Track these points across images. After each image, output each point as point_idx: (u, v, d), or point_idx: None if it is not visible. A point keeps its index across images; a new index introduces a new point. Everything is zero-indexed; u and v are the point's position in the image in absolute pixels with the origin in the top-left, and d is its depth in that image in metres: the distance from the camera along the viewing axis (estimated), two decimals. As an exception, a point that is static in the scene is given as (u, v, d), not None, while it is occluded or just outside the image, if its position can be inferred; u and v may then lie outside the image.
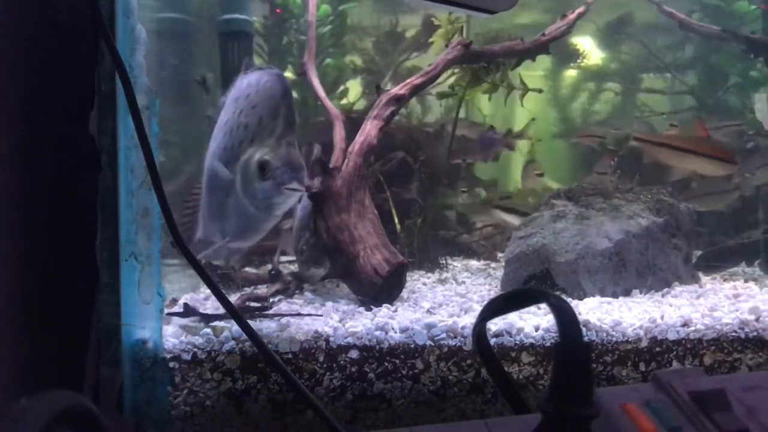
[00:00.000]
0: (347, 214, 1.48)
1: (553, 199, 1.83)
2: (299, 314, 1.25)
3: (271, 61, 2.35)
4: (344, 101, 2.41)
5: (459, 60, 1.72)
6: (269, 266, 1.71)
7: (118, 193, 0.99)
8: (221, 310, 1.16)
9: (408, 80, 1.65)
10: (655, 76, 2.87)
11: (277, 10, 2.35)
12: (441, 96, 2.02)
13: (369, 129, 1.57)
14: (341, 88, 2.42)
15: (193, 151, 2.15)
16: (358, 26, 2.56)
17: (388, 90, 1.63)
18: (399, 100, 1.61)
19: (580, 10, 1.86)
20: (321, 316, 1.24)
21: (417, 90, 1.65)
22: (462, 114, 2.61)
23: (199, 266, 0.93)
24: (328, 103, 1.80)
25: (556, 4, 2.46)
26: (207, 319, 1.18)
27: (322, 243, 1.49)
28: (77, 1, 0.99)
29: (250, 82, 1.19)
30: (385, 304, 1.35)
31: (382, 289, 1.40)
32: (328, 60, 2.41)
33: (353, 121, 1.97)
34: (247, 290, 1.61)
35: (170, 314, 1.20)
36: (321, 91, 1.84)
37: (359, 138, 1.56)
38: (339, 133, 1.68)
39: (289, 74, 2.41)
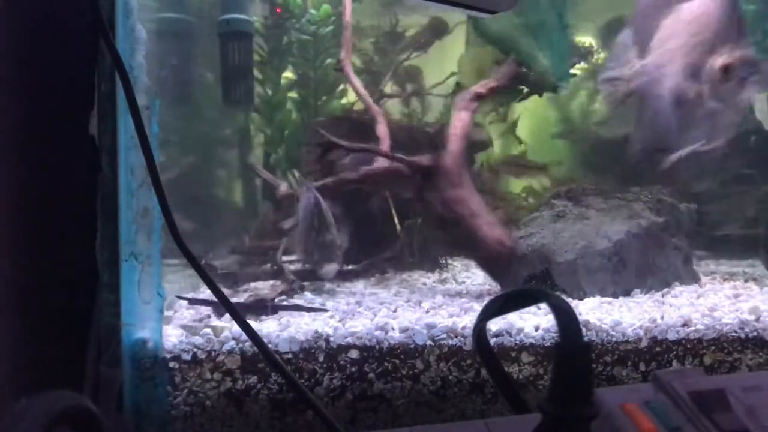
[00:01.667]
0: (462, 189, 1.57)
1: (553, 199, 1.83)
2: (307, 308, 1.30)
3: (271, 60, 2.35)
4: (344, 101, 2.41)
5: (513, 77, 1.79)
6: (268, 265, 1.71)
7: (118, 193, 0.99)
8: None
9: (485, 82, 1.75)
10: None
11: (277, 9, 2.35)
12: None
13: (464, 116, 1.68)
14: (341, 87, 2.42)
15: (193, 150, 2.15)
16: (359, 26, 2.56)
17: (470, 88, 1.74)
18: (480, 97, 1.72)
19: None
20: (327, 310, 1.28)
21: (492, 92, 1.75)
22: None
23: (199, 266, 0.93)
24: (369, 101, 1.84)
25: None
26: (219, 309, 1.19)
27: (437, 215, 1.57)
28: (77, 1, 0.99)
29: None
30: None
31: (508, 260, 1.51)
32: (329, 60, 2.40)
33: (353, 122, 1.97)
34: (245, 287, 1.62)
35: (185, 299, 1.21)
36: (361, 89, 1.88)
37: (457, 123, 1.66)
38: (382, 129, 1.77)
39: (289, 74, 2.41)
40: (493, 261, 1.53)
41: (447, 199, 1.55)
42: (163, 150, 1.29)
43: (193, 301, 1.25)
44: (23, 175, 0.95)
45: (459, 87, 1.76)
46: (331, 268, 1.58)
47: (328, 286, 1.67)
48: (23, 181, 0.95)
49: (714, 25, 1.33)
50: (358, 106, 2.34)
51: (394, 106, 2.52)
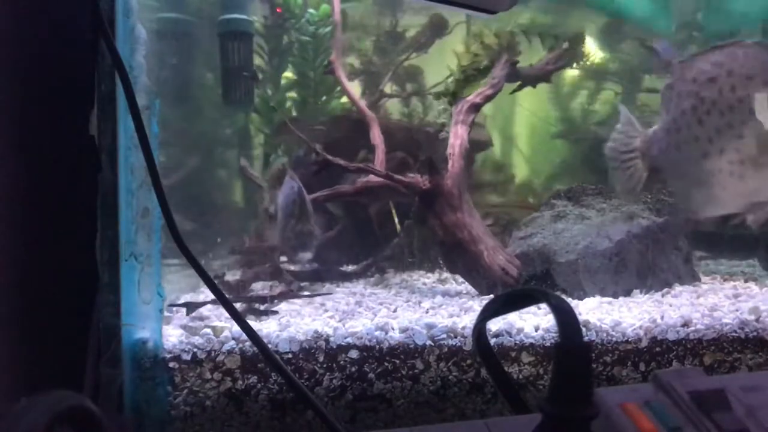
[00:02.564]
0: (461, 213, 1.53)
1: (554, 199, 1.83)
2: (311, 295, 1.35)
3: (271, 61, 2.35)
4: (343, 100, 2.41)
5: (508, 76, 1.79)
6: (267, 265, 1.71)
7: (118, 193, 0.99)
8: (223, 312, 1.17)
9: (480, 90, 1.73)
10: (656, 77, 2.86)
11: (278, 9, 2.35)
12: (438, 96, 2.05)
13: (461, 133, 1.64)
14: (339, 86, 2.42)
15: (193, 150, 2.16)
16: (358, 25, 2.56)
17: (466, 98, 1.72)
18: (477, 108, 1.70)
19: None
20: (331, 293, 1.35)
21: (488, 99, 1.74)
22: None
23: (199, 266, 0.93)
24: (361, 105, 1.82)
25: (556, 4, 2.46)
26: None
27: (438, 240, 1.55)
28: (77, 1, 0.99)
29: None
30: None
31: (512, 287, 1.47)
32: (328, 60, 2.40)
33: (354, 122, 1.97)
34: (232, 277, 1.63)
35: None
36: (352, 92, 1.86)
37: (455, 141, 1.62)
38: (377, 135, 1.74)
39: (289, 74, 2.40)
40: (494, 288, 1.49)
41: (447, 224, 1.52)
42: (163, 150, 1.29)
43: (190, 307, 1.25)
44: (23, 175, 0.95)
45: (455, 97, 1.72)
46: (305, 256, 1.62)
47: (327, 286, 1.67)
48: (23, 181, 0.95)
49: None
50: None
51: (394, 106, 2.52)
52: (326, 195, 1.74)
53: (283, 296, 1.44)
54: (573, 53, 1.94)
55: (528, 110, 2.66)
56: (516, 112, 2.94)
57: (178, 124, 1.99)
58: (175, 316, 1.25)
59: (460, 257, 1.52)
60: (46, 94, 0.99)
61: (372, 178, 1.62)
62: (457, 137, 1.63)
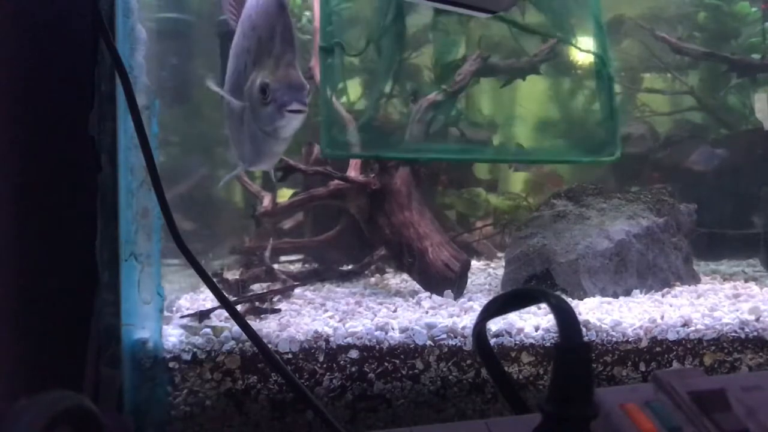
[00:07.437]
0: (409, 211, 1.54)
1: (554, 199, 1.83)
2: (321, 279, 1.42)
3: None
4: (343, 100, 2.41)
5: (478, 72, 1.78)
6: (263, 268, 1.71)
7: (118, 193, 0.99)
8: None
9: (443, 87, 1.73)
10: (655, 76, 2.86)
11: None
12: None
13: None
14: (339, 86, 2.41)
15: (193, 151, 2.16)
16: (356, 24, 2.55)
17: (427, 96, 1.71)
18: (436, 107, 1.70)
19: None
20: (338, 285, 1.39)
21: (452, 96, 1.74)
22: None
23: (199, 266, 0.93)
24: (340, 108, 1.82)
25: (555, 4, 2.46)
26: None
27: (385, 239, 1.54)
28: (77, 1, 1.00)
29: (251, 2, 1.18)
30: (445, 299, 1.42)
31: (454, 284, 1.46)
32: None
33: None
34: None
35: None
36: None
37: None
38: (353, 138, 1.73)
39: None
40: (437, 283, 1.48)
41: (395, 223, 1.52)
42: (163, 150, 1.29)
43: (203, 316, 1.24)
44: (23, 175, 0.95)
45: (415, 96, 1.72)
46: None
47: (327, 286, 1.67)
48: (23, 181, 0.95)
49: (259, 31, 1.12)
50: (358, 106, 2.33)
51: (393, 106, 2.51)
52: (301, 199, 1.74)
53: (280, 292, 1.44)
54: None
55: (528, 110, 2.65)
56: (516, 112, 2.93)
57: (178, 124, 1.99)
58: (174, 316, 1.25)
59: (405, 255, 1.52)
60: (46, 94, 0.99)
61: (338, 182, 1.63)
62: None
